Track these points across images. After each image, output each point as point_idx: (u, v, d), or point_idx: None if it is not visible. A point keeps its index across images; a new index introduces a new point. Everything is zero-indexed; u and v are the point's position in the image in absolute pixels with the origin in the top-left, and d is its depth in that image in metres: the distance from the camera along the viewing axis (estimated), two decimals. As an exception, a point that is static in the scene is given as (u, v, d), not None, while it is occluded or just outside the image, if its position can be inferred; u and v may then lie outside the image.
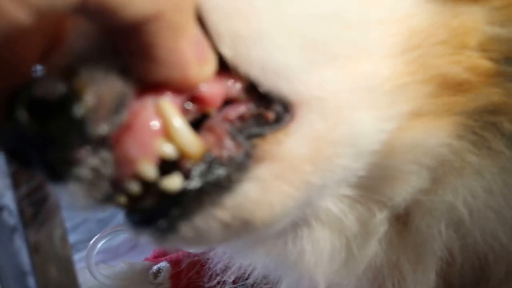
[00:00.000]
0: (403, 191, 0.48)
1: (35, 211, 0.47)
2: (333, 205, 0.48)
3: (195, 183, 0.37)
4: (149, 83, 0.36)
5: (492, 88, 0.45)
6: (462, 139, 0.46)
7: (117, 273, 0.77)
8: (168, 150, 0.37)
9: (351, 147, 0.43)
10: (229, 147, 0.39)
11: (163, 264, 0.76)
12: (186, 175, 0.37)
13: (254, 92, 0.40)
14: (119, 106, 0.35)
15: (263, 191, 0.39)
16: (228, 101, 0.40)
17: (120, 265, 0.77)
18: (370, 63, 0.43)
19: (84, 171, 0.36)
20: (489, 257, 0.51)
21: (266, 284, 0.62)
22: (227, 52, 0.38)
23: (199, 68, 0.36)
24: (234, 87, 0.40)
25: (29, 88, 0.34)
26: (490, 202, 0.48)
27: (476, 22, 0.45)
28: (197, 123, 0.39)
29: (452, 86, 0.45)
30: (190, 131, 0.37)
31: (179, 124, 0.37)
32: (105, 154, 0.36)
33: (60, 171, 0.36)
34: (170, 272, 0.75)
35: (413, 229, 0.50)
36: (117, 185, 0.37)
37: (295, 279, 0.55)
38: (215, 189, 0.38)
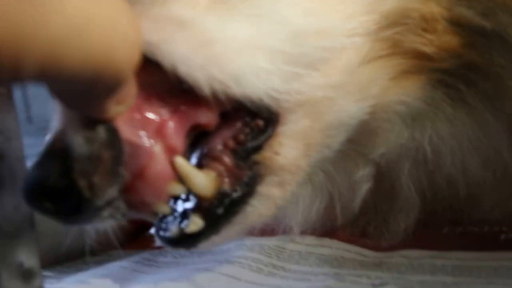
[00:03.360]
0: (383, 145, 0.51)
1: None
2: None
3: (211, 219, 0.43)
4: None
5: (465, 54, 0.47)
6: (437, 92, 0.48)
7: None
8: (180, 191, 0.42)
9: (338, 127, 0.47)
10: (236, 174, 0.44)
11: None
12: (205, 214, 0.43)
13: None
14: (116, 169, 0.39)
15: (268, 204, 0.45)
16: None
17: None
18: (345, 57, 0.46)
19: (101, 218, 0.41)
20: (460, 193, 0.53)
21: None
22: (206, 92, 0.41)
23: (115, 107, 0.39)
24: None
25: (44, 179, 0.40)
26: (456, 148, 0.50)
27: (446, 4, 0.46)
28: None
29: (426, 58, 0.47)
30: (206, 179, 0.43)
31: (198, 178, 0.42)
32: (119, 203, 0.41)
33: (80, 223, 0.44)
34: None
35: (386, 170, 0.54)
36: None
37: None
38: (227, 215, 0.44)
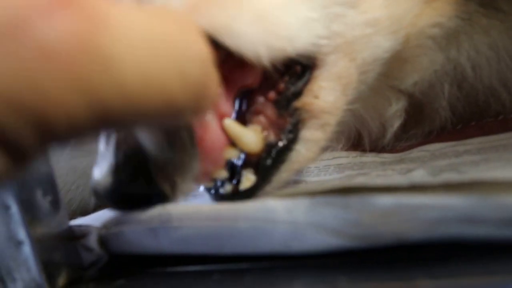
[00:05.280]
0: (415, 73, 0.52)
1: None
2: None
3: (262, 172, 0.45)
4: None
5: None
6: (470, 4, 0.49)
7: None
8: (235, 154, 0.44)
9: (373, 63, 0.48)
10: (279, 124, 0.45)
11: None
12: (256, 168, 0.45)
13: None
14: (193, 165, 0.40)
15: (312, 147, 0.47)
16: None
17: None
18: None
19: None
20: (490, 100, 0.55)
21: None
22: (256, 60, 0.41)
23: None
24: None
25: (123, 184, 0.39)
26: (493, 58, 0.51)
27: None
28: None
29: None
30: (254, 135, 0.44)
31: (247, 136, 0.44)
32: None
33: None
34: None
35: (420, 99, 0.54)
36: None
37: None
38: (276, 164, 0.45)
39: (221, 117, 0.42)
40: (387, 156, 0.55)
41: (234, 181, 0.45)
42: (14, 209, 0.43)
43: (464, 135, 0.52)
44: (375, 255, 0.35)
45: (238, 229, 0.39)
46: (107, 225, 0.45)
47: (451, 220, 0.32)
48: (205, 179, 0.43)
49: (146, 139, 0.39)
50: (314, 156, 0.48)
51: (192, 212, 0.42)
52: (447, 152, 0.50)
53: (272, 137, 0.45)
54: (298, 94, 0.45)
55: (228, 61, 0.42)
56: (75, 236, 0.47)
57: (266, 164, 0.45)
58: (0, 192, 0.43)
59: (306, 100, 0.45)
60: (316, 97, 0.45)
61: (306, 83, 0.45)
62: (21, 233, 0.43)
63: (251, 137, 0.44)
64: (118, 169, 0.40)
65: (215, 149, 0.42)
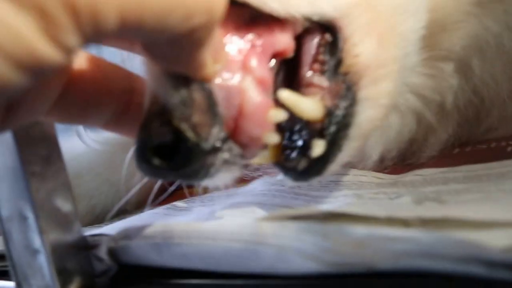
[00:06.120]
0: (459, 39, 0.53)
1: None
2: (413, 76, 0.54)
3: (330, 139, 0.45)
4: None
5: None
6: None
7: (106, 138, 0.77)
8: (283, 115, 0.44)
9: (396, 11, 0.48)
10: (334, 91, 0.45)
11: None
12: (321, 134, 0.45)
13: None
14: (212, 107, 0.41)
15: (374, 106, 0.47)
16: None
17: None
18: None
19: (218, 166, 0.42)
20: (485, 95, 0.57)
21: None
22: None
23: (213, 67, 0.40)
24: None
25: (148, 140, 0.42)
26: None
27: None
28: None
29: None
30: (313, 103, 0.45)
31: (306, 104, 0.44)
32: (230, 145, 0.42)
33: (199, 177, 0.43)
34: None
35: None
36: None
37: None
38: (342, 129, 0.46)
39: (259, 81, 0.42)
40: (385, 177, 0.56)
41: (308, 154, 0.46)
42: (31, 219, 0.46)
43: (457, 162, 0.54)
44: (348, 280, 0.37)
45: (232, 249, 0.41)
46: (115, 238, 0.48)
47: (414, 253, 0.33)
48: (256, 145, 0.43)
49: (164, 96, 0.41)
50: (379, 115, 0.48)
51: (192, 230, 0.44)
52: (437, 178, 0.51)
53: (330, 104, 0.45)
54: (340, 61, 0.46)
55: (256, 25, 0.44)
56: (88, 246, 0.50)
57: (331, 130, 0.45)
58: (18, 203, 0.46)
59: (348, 62, 0.46)
60: (356, 55, 0.46)
61: (343, 47, 0.46)
62: (37, 242, 0.46)
63: (311, 105, 0.45)
64: (143, 128, 0.42)
65: (257, 112, 0.42)
